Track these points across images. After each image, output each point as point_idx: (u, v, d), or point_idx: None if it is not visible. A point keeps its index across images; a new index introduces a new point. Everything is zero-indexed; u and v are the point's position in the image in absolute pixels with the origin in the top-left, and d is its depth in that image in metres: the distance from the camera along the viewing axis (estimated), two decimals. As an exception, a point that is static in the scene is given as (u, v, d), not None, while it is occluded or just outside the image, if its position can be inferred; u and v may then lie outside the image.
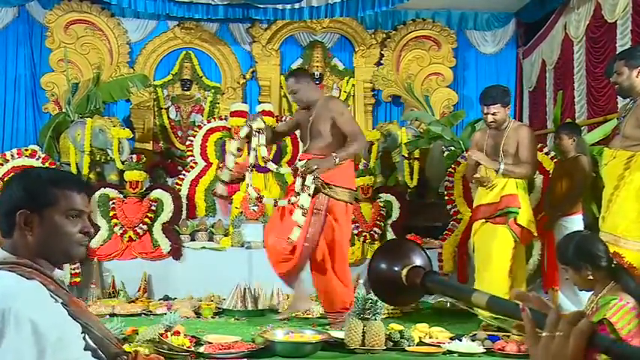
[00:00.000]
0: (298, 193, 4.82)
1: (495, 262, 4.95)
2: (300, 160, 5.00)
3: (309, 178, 4.76)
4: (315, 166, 4.74)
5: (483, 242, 5.10)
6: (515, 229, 4.98)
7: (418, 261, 1.26)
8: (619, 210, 4.05)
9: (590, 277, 2.93)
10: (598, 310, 2.86)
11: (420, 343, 4.43)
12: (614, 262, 2.99)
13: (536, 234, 5.13)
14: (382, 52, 8.84)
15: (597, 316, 2.82)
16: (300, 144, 5.35)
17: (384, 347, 4.26)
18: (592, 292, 3.06)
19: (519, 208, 4.97)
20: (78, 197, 1.77)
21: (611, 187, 4.18)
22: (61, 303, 1.64)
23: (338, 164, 4.80)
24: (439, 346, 4.36)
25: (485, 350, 4.29)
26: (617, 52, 5.41)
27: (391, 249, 1.32)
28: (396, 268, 1.25)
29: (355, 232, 6.65)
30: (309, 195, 4.77)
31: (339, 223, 4.96)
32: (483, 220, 5.11)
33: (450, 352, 4.27)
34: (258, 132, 5.04)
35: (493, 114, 4.98)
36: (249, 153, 5.15)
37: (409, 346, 4.33)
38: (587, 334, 0.91)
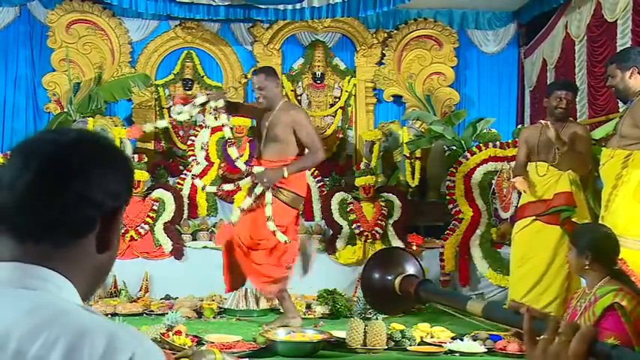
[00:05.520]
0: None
1: (554, 267, 4.78)
2: (255, 167, 4.94)
3: (259, 188, 4.83)
4: (265, 180, 4.77)
5: (528, 239, 4.94)
6: (570, 229, 4.71)
7: (411, 270, 1.26)
8: (618, 209, 4.06)
9: (587, 267, 3.07)
10: (598, 301, 2.94)
11: (422, 343, 4.45)
12: (617, 267, 3.07)
13: None
14: (384, 51, 8.82)
15: (601, 304, 2.91)
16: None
17: (386, 347, 4.27)
18: (584, 286, 3.21)
19: (575, 206, 4.79)
20: None
21: (609, 187, 4.18)
22: None
23: (287, 177, 4.80)
24: (440, 345, 4.37)
25: (486, 350, 4.30)
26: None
27: (384, 258, 1.31)
28: (389, 277, 1.25)
29: (357, 231, 6.69)
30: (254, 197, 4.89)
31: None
32: (533, 218, 4.93)
33: (452, 351, 4.28)
34: (216, 110, 4.99)
35: (565, 97, 4.87)
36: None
37: (410, 345, 4.34)
38: (589, 339, 0.92)
